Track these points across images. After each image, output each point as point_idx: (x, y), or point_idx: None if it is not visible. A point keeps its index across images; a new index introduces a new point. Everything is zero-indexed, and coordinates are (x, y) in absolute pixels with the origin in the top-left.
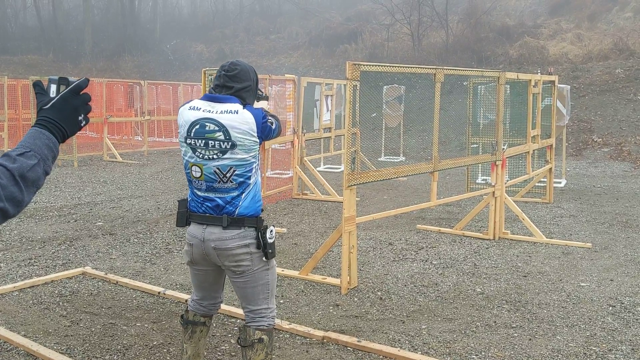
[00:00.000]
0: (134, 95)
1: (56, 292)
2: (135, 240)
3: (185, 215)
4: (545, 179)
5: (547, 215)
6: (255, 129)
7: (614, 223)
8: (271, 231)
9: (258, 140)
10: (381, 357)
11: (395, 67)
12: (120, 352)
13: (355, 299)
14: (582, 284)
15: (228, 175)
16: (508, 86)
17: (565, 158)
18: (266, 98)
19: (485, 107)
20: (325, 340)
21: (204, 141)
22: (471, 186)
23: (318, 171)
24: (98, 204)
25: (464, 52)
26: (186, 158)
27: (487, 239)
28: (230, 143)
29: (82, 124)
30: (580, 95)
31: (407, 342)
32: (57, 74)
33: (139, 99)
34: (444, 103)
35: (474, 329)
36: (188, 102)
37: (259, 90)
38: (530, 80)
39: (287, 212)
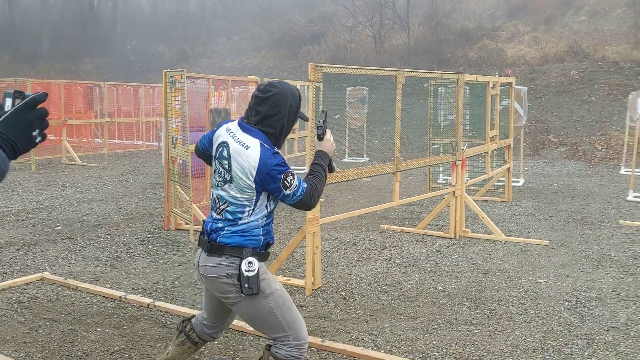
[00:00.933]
0: (94, 97)
1: (14, 298)
2: (96, 244)
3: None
4: (504, 179)
5: (505, 213)
6: (254, 172)
7: (569, 220)
8: (249, 263)
9: (253, 186)
10: (345, 356)
11: (357, 69)
12: (80, 359)
13: (320, 300)
14: (540, 280)
15: (222, 207)
16: (467, 88)
17: (523, 158)
18: (322, 128)
19: (445, 108)
20: None
21: (219, 164)
22: (433, 186)
23: None
24: (57, 207)
25: (425, 54)
26: (212, 177)
27: (449, 238)
28: (229, 175)
29: (36, 140)
30: (537, 96)
31: (370, 341)
32: (14, 75)
33: (98, 101)
34: (406, 105)
35: (436, 327)
36: (229, 122)
37: (318, 127)
38: (488, 82)
39: None
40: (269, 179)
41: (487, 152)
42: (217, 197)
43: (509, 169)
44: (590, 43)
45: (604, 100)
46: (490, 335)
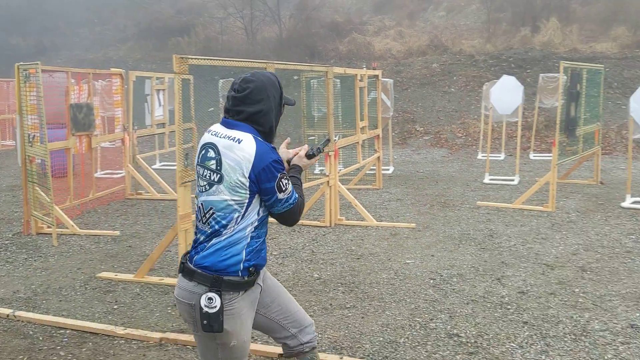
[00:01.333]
0: None
1: None
2: None
3: None
4: (374, 167)
5: (377, 200)
6: (249, 167)
7: (434, 204)
8: (210, 299)
9: (247, 184)
10: None
11: (225, 60)
12: None
13: None
14: (408, 262)
15: (207, 215)
16: (339, 80)
17: (392, 147)
18: (319, 152)
19: (318, 100)
20: (163, 342)
21: (202, 169)
22: (309, 177)
23: (154, 169)
24: None
25: (297, 46)
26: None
27: (325, 227)
28: (218, 175)
29: None
30: (403, 88)
31: (253, 333)
32: None
33: None
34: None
35: (312, 313)
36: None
37: (317, 148)
38: (356, 74)
39: (120, 214)
40: (265, 176)
41: (358, 142)
42: (201, 204)
43: (379, 157)
44: (449, 37)
45: (462, 91)
46: (363, 317)
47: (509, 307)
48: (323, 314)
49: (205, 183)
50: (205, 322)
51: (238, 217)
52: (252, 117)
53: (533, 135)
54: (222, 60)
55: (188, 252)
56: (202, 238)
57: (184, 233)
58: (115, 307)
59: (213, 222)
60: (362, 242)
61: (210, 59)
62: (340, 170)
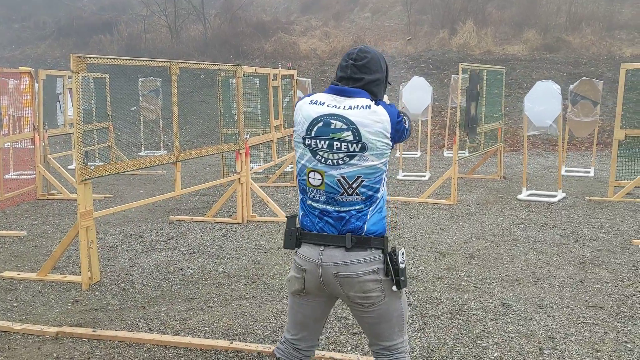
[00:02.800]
0: None
1: None
2: None
3: (296, 235)
4: (292, 165)
5: (292, 197)
6: (389, 128)
7: None
8: (403, 254)
9: (391, 144)
10: (116, 342)
11: (125, 59)
12: None
13: (97, 293)
14: None
15: (354, 185)
16: (258, 79)
17: None
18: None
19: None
20: (59, 336)
21: (327, 142)
22: (227, 175)
23: (68, 169)
24: None
25: (223, 45)
26: (302, 162)
27: (237, 223)
28: (360, 145)
29: None
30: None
31: (144, 325)
32: None
33: None
34: (206, 96)
35: (211, 305)
36: (308, 95)
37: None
38: (269, 74)
39: (29, 215)
40: (399, 127)
41: (272, 140)
42: (340, 177)
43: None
44: (373, 38)
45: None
46: (260, 306)
47: None
48: (222, 304)
49: (342, 155)
50: (402, 278)
51: (385, 176)
52: (369, 85)
53: (447, 134)
54: (120, 59)
55: (337, 232)
56: (360, 206)
57: (85, 230)
58: (15, 304)
59: (364, 190)
60: (272, 237)
61: (109, 58)
62: (252, 168)
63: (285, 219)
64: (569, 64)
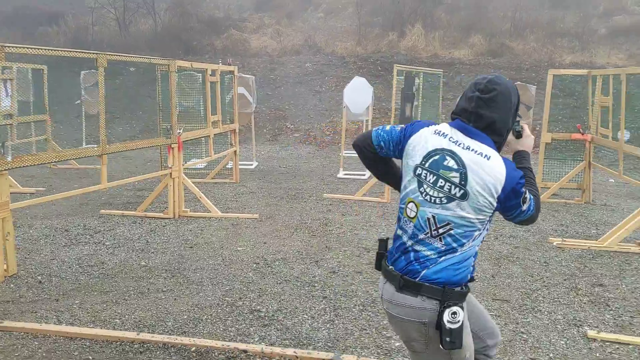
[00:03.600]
0: None
1: None
2: None
3: (380, 259)
4: (232, 162)
5: (230, 193)
6: (499, 189)
7: (284, 196)
8: (454, 314)
9: (495, 205)
10: (22, 333)
11: (46, 49)
12: None
13: (12, 286)
14: (239, 249)
15: (441, 230)
16: (200, 75)
17: (262, 143)
18: (520, 128)
19: (180, 94)
20: None
21: (435, 177)
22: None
23: None
24: None
25: (172, 41)
26: (406, 190)
27: (167, 218)
28: (462, 191)
29: None
30: (277, 86)
31: (54, 317)
32: None
33: None
34: (150, 90)
35: (127, 298)
36: (434, 124)
37: (515, 126)
38: (206, 69)
39: None
40: (513, 195)
41: (209, 136)
42: (431, 216)
43: (235, 151)
44: (323, 38)
45: (333, 91)
46: (175, 299)
47: (316, 285)
48: (138, 297)
49: (442, 195)
50: (447, 339)
51: (478, 234)
52: (492, 126)
53: None
54: (39, 49)
55: (398, 270)
56: (429, 253)
57: (1, 222)
58: None
59: (449, 240)
60: (200, 233)
61: (30, 48)
62: (185, 163)
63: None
64: (512, 69)
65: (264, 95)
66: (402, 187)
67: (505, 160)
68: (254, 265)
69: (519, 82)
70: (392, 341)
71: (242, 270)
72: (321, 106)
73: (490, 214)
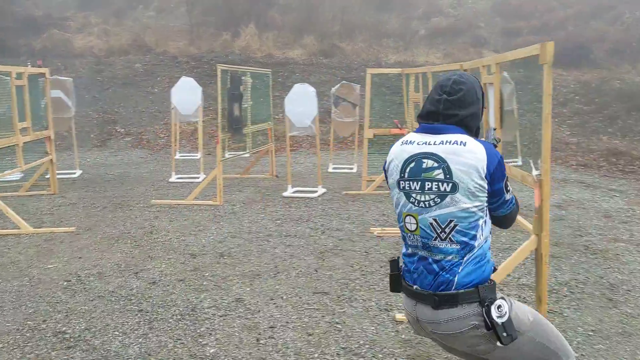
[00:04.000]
0: None
1: None
2: None
3: (398, 280)
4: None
5: (46, 206)
6: (484, 167)
7: (107, 205)
8: (499, 307)
9: (486, 187)
10: None
11: None
12: None
13: None
14: (49, 266)
15: (447, 230)
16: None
17: (89, 149)
18: (497, 141)
19: None
20: None
21: (420, 182)
22: None
23: None
24: None
25: None
26: (399, 207)
27: None
28: (450, 184)
29: None
30: (104, 88)
31: None
32: None
33: None
34: None
35: None
36: (401, 138)
37: (493, 138)
38: (10, 72)
39: None
40: (497, 175)
41: (17, 145)
42: (433, 220)
43: (52, 160)
44: (153, 37)
45: (166, 92)
46: None
47: (132, 298)
48: None
49: (433, 196)
50: (504, 334)
51: (483, 223)
52: (464, 121)
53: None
54: None
55: (415, 283)
56: (450, 257)
57: None
58: None
59: (458, 236)
60: (6, 252)
61: None
62: None
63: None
64: (343, 69)
65: (90, 99)
66: (394, 207)
67: (481, 141)
68: (65, 283)
69: (344, 82)
70: (208, 348)
71: (50, 289)
72: (153, 108)
73: (486, 198)
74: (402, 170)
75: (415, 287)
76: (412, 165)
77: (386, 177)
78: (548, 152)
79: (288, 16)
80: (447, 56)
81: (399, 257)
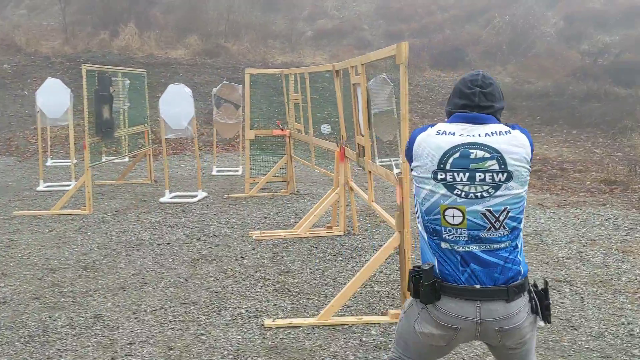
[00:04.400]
0: None
1: None
2: None
3: (436, 287)
4: None
5: None
6: (530, 154)
7: None
8: (547, 282)
9: (530, 169)
10: None
11: None
12: None
13: None
14: None
15: (501, 218)
16: None
17: None
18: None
19: None
20: None
21: (468, 174)
22: None
23: None
24: None
25: None
26: (433, 199)
27: None
28: (505, 174)
29: None
30: None
31: None
32: None
33: None
34: None
35: None
36: (430, 127)
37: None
38: None
39: None
40: (533, 151)
41: None
42: (486, 211)
43: None
44: (25, 37)
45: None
46: None
47: None
48: None
49: (487, 187)
50: (548, 312)
51: (524, 203)
52: (496, 113)
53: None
54: None
55: (500, 276)
56: (505, 245)
57: None
58: None
59: (510, 222)
60: None
61: None
62: None
63: (411, 269)
64: (228, 69)
65: None
66: (420, 199)
67: (516, 127)
68: None
69: (226, 82)
70: None
71: None
72: (23, 112)
73: (528, 180)
74: (442, 162)
75: (477, 286)
76: (455, 156)
77: (411, 165)
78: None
79: (171, 15)
80: (333, 57)
81: (429, 265)
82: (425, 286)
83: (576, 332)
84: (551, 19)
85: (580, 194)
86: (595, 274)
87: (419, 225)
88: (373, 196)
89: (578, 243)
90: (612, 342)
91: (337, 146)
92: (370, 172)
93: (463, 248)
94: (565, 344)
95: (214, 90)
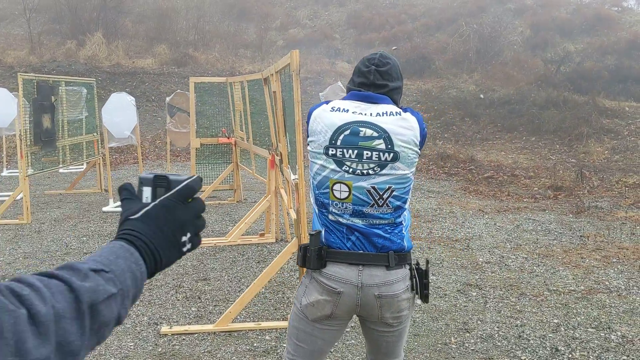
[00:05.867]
0: None
1: None
2: None
3: (322, 254)
4: None
5: None
6: (418, 137)
7: None
8: (428, 261)
9: (419, 152)
10: None
11: None
12: None
13: None
14: None
15: (385, 196)
16: None
17: None
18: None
19: None
20: None
21: (356, 151)
22: None
23: None
24: None
25: None
26: (324, 174)
27: None
28: (392, 154)
29: (184, 249)
30: None
31: None
32: None
33: None
34: None
35: None
36: (324, 103)
37: None
38: None
39: None
40: (424, 134)
41: None
42: (370, 187)
43: None
44: None
45: None
46: None
47: None
48: None
49: (373, 165)
50: (426, 292)
51: (411, 185)
52: (391, 92)
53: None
54: None
55: (382, 246)
56: (390, 219)
57: None
58: None
59: (394, 200)
60: None
61: None
62: None
63: (308, 235)
64: None
65: None
66: (313, 172)
67: (408, 109)
68: None
69: (179, 90)
70: None
71: None
72: None
73: (417, 162)
74: (333, 138)
75: (360, 251)
76: (346, 133)
77: (307, 141)
78: (301, 157)
79: (142, 24)
80: (302, 67)
81: (317, 231)
82: (312, 251)
83: (468, 334)
84: (518, 27)
85: (525, 200)
86: (508, 278)
87: (311, 197)
88: (292, 202)
89: (503, 248)
90: (499, 343)
91: (269, 153)
92: (287, 178)
93: (348, 220)
94: (453, 346)
95: (167, 99)
